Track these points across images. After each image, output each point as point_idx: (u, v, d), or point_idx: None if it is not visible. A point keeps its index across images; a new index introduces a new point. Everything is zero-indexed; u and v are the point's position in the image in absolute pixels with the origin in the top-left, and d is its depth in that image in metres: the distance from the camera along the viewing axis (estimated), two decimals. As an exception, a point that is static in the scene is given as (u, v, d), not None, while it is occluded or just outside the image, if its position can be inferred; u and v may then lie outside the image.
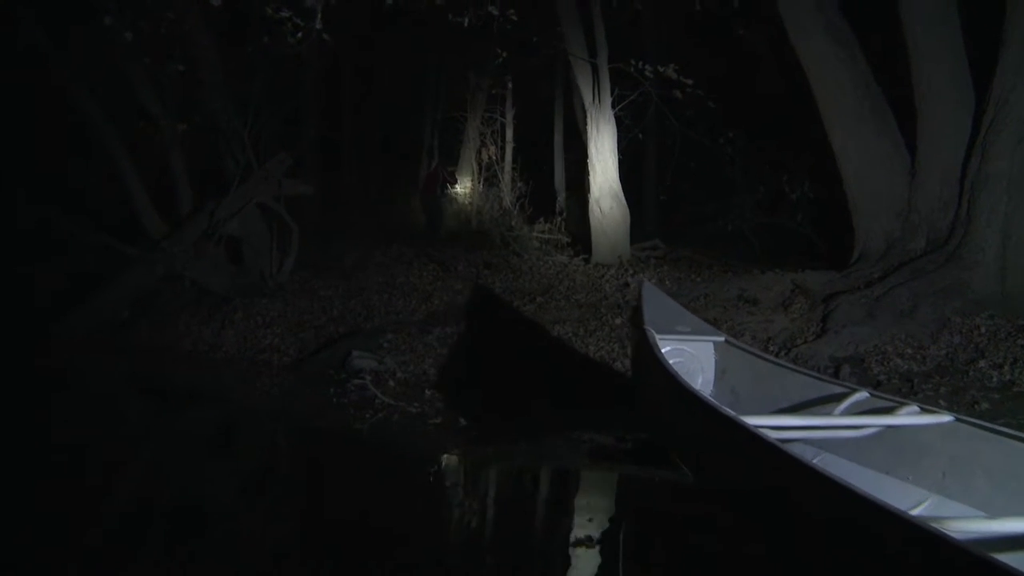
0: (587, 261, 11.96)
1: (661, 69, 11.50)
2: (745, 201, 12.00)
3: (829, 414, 3.86)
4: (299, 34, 7.60)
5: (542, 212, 16.94)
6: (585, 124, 12.14)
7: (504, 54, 11.46)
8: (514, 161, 17.99)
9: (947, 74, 8.54)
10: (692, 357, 4.98)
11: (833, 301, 8.19)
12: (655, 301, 5.07)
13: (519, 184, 17.80)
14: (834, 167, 10.05)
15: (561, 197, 15.86)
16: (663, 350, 4.50)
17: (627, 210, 11.93)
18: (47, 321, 11.53)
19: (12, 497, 5.20)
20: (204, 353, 10.44)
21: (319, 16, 7.28)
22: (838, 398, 3.94)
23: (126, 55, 10.78)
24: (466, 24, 9.40)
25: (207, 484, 5.52)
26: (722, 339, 5.13)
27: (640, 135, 13.10)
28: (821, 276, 9.06)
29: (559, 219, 14.04)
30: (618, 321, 8.97)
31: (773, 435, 3.16)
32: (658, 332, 4.64)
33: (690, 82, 11.62)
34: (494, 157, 17.84)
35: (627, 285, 9.92)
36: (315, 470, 5.93)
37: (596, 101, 11.84)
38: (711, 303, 8.98)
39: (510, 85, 17.85)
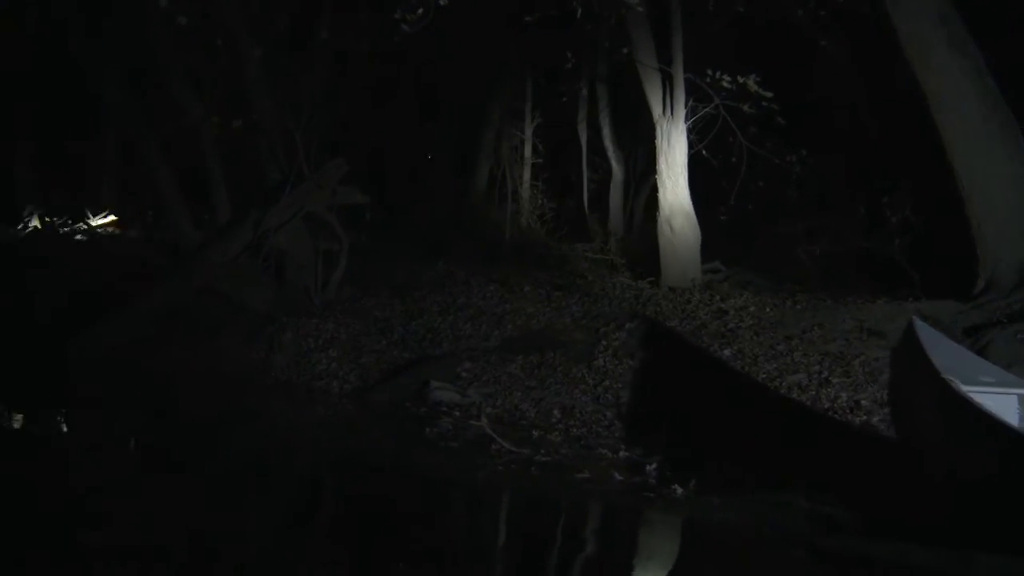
0: (653, 284, 11.10)
1: (741, 80, 10.75)
2: (835, 223, 11.28)
3: None
4: (420, 10, 6.69)
5: (574, 231, 16.22)
6: (654, 138, 11.31)
7: (573, 59, 10.62)
8: (535, 179, 17.21)
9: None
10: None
11: (980, 336, 7.44)
12: (939, 345, 4.27)
13: (541, 202, 17.06)
14: (934, 189, 9.43)
15: (612, 215, 14.98)
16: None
17: (698, 229, 11.12)
18: (61, 338, 10.43)
19: (34, 535, 4.44)
20: (251, 378, 9.39)
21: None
22: None
23: (165, 49, 9.77)
24: (579, 14, 8.52)
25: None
26: None
27: (704, 151, 12.32)
28: (947, 307, 8.32)
29: (613, 238, 13.16)
30: (727, 352, 8.16)
31: None
32: (963, 383, 3.83)
33: (769, 95, 10.92)
34: (520, 177, 16.96)
35: (724, 312, 9.10)
36: (456, 541, 4.87)
37: (669, 113, 11.05)
38: (830, 334, 8.20)
39: (530, 101, 17.02)
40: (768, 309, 9.15)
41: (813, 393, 7.11)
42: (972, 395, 4.03)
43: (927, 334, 4.42)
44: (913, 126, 10.05)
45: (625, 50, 11.28)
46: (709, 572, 4.24)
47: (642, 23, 11.25)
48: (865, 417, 6.53)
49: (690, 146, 11.57)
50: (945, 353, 4.26)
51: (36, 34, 10.24)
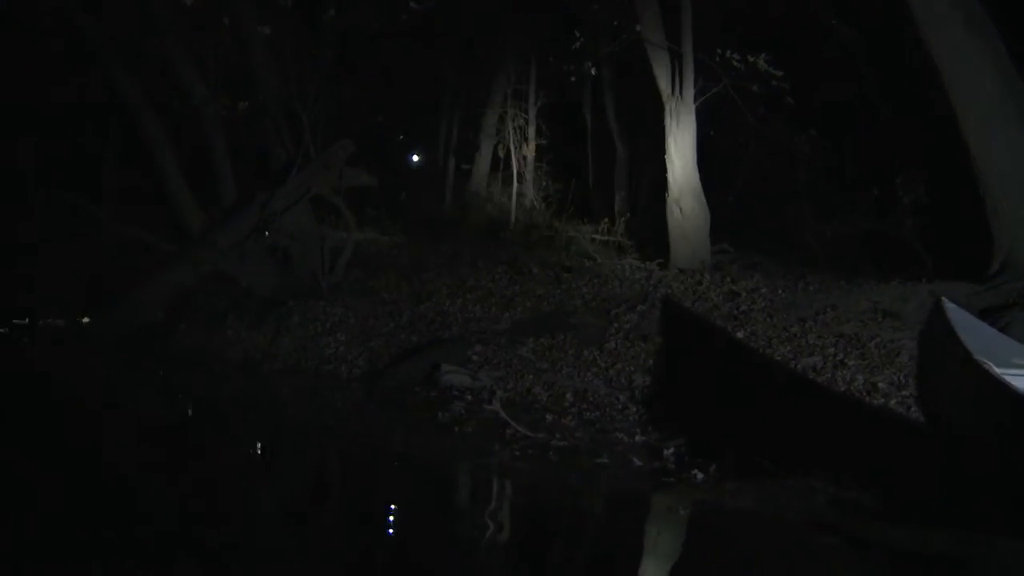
0: (661, 266, 11.01)
1: (751, 59, 10.61)
2: (845, 205, 11.15)
3: None
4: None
5: (579, 212, 16.07)
6: (663, 118, 11.16)
7: (580, 39, 10.49)
8: (539, 160, 17.05)
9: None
10: None
11: (997, 318, 7.30)
12: (969, 326, 4.18)
13: (545, 183, 16.90)
14: (947, 170, 9.31)
15: (619, 197, 14.86)
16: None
17: (707, 211, 11.03)
18: (66, 324, 10.38)
19: (39, 526, 4.36)
20: (258, 362, 9.35)
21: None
22: None
23: (170, 28, 9.62)
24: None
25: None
26: None
27: (712, 132, 12.19)
28: (961, 288, 8.21)
29: (620, 220, 13.04)
30: (740, 334, 8.08)
31: None
32: (996, 365, 3.75)
33: (779, 74, 10.80)
34: (523, 158, 16.79)
35: (736, 294, 9.02)
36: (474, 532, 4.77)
37: (677, 93, 10.91)
38: (843, 316, 8.11)
39: (534, 81, 16.83)
40: (780, 291, 9.07)
41: (828, 375, 7.03)
42: (1008, 378, 3.96)
43: (956, 315, 4.34)
44: (925, 106, 9.93)
45: (638, 27, 11.07)
46: (735, 558, 4.18)
47: (651, 1, 11.09)
48: (883, 400, 6.44)
49: (698, 126, 11.45)
50: (976, 334, 4.18)
51: (39, 21, 9.99)
